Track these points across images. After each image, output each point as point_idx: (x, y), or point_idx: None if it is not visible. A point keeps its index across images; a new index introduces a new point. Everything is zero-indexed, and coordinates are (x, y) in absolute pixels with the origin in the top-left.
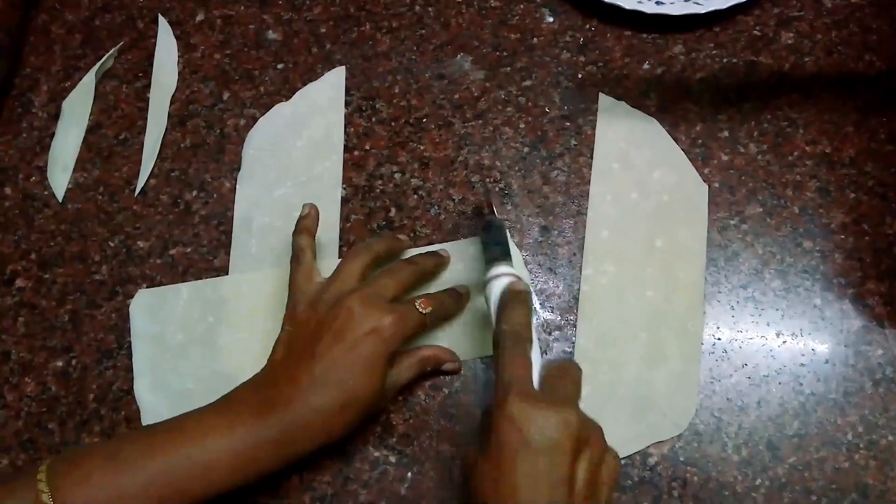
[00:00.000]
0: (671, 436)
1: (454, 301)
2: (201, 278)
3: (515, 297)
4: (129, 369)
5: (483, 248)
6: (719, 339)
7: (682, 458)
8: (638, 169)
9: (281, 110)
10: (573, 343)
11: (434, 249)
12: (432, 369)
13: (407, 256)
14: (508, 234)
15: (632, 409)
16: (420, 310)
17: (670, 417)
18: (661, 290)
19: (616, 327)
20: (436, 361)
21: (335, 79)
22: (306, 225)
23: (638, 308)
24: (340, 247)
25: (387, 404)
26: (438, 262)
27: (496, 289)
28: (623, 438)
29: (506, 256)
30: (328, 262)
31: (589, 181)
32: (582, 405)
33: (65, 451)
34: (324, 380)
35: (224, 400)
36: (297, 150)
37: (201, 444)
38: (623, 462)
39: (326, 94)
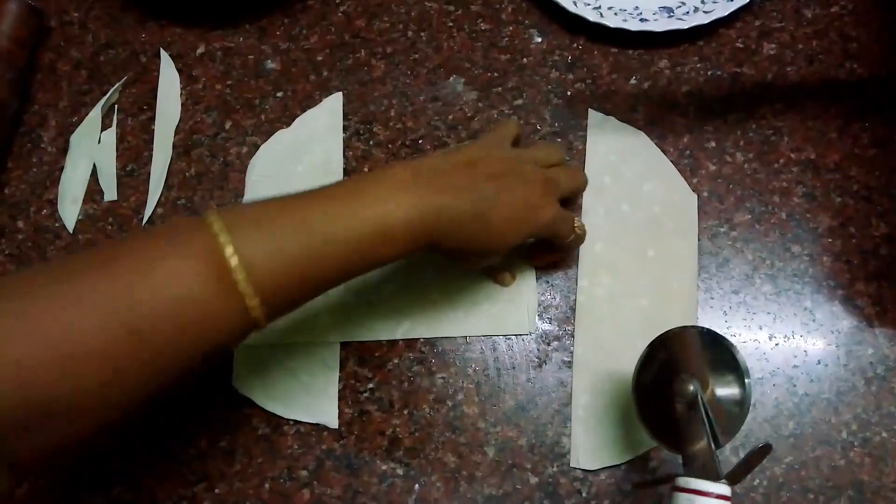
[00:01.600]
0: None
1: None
2: None
3: None
4: None
5: (685, 440)
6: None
7: (681, 462)
8: (628, 181)
9: (281, 137)
10: (571, 353)
11: None
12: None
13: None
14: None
15: (631, 416)
16: (576, 227)
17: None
18: (655, 299)
19: (613, 337)
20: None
21: (333, 105)
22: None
23: (633, 317)
24: None
25: (502, 252)
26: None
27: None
28: (622, 446)
29: (734, 478)
30: None
31: (581, 195)
32: (582, 412)
33: (234, 203)
34: (493, 178)
35: (405, 166)
36: (299, 176)
37: (382, 206)
38: (623, 467)
39: (325, 120)
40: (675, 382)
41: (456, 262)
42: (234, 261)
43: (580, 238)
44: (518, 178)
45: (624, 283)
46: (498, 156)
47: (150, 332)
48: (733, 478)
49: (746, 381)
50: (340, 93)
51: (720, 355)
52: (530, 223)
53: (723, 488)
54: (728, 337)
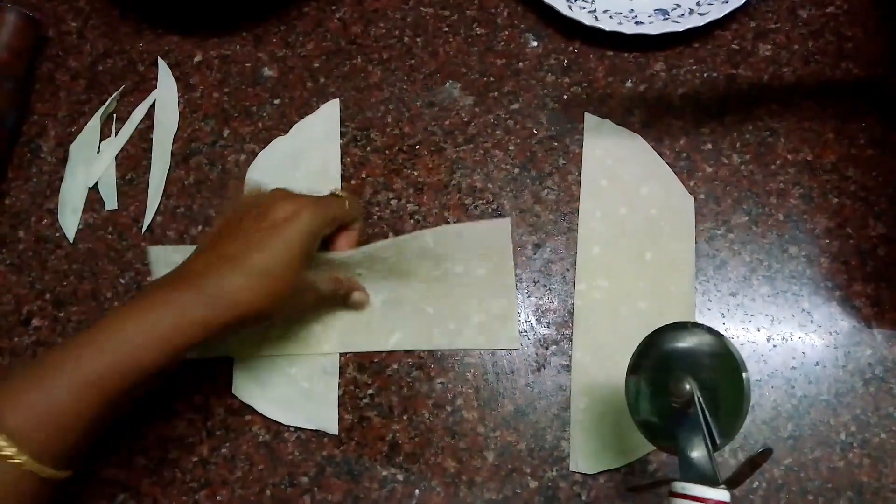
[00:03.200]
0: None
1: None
2: None
3: None
4: (143, 400)
5: (681, 455)
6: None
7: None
8: (625, 184)
9: (279, 144)
10: (570, 357)
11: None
12: (344, 293)
13: None
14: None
15: (629, 420)
16: (337, 193)
17: None
18: (653, 302)
19: (611, 340)
20: (348, 287)
21: (330, 111)
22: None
23: (631, 320)
24: None
25: (307, 304)
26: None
27: None
28: (621, 449)
29: (734, 484)
30: None
31: (578, 198)
32: (581, 416)
33: None
34: (246, 249)
35: (149, 286)
36: (297, 182)
37: (121, 334)
38: (623, 471)
39: (322, 127)
40: (670, 382)
41: (281, 323)
42: (4, 447)
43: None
44: (260, 207)
45: (622, 286)
46: (234, 210)
47: None
48: (732, 482)
49: (744, 376)
50: (337, 99)
51: (715, 351)
52: (297, 233)
53: (721, 494)
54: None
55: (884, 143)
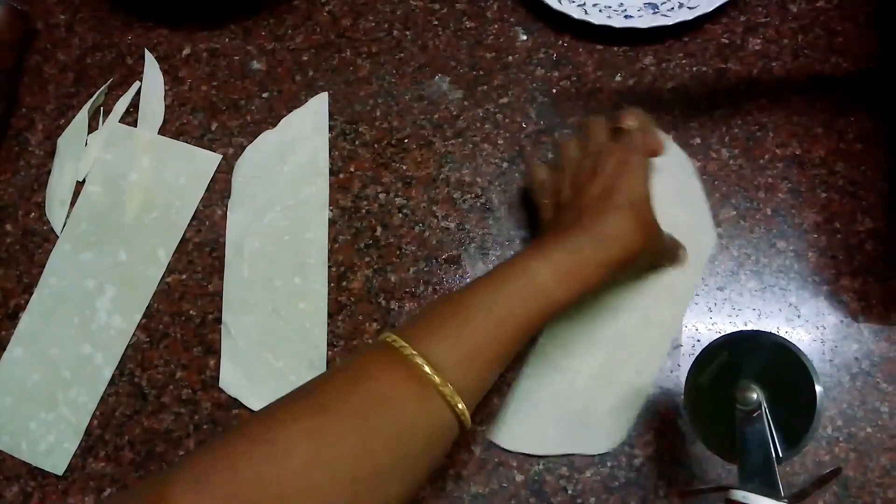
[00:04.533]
0: (595, 452)
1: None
2: (197, 304)
3: None
4: (131, 395)
5: (742, 463)
6: (699, 340)
7: (666, 459)
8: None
9: (267, 138)
10: (535, 341)
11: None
12: (674, 246)
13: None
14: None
15: (570, 416)
16: (628, 124)
17: (600, 436)
18: (636, 319)
19: (581, 340)
20: (678, 245)
21: (318, 105)
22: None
23: (608, 329)
24: (329, 267)
25: (658, 248)
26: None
27: None
28: (551, 441)
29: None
30: (318, 286)
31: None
32: (518, 395)
33: (404, 327)
34: (605, 195)
35: (534, 241)
36: (285, 176)
37: (526, 274)
38: (609, 464)
39: (310, 120)
40: (736, 389)
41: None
42: (437, 378)
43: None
44: (589, 164)
45: (611, 296)
46: (563, 184)
47: (405, 444)
48: (797, 497)
49: (817, 389)
50: (326, 93)
51: (787, 361)
52: (636, 168)
53: None
54: (713, 334)
55: (872, 138)
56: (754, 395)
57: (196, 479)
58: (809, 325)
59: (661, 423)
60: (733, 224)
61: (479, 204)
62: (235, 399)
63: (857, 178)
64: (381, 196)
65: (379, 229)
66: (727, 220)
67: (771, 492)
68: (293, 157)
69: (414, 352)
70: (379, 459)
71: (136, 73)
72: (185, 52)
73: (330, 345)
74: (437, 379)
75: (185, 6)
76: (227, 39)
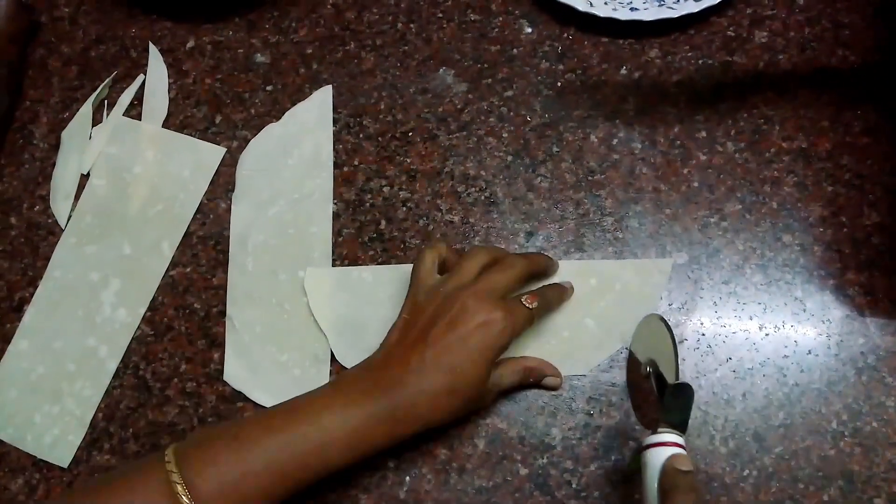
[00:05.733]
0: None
1: (558, 295)
2: (201, 297)
3: (683, 483)
4: (135, 388)
5: (638, 407)
6: (703, 334)
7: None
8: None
9: (272, 131)
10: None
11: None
12: (534, 380)
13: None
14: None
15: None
16: (527, 305)
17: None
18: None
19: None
20: (539, 373)
21: (322, 97)
22: (437, 245)
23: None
24: (333, 261)
25: (487, 404)
26: (549, 263)
27: (656, 457)
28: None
29: (682, 426)
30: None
31: (572, 186)
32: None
33: (189, 436)
34: (434, 364)
35: (337, 380)
36: (289, 169)
37: (317, 422)
38: (614, 458)
39: (314, 113)
40: (641, 367)
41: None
42: (184, 497)
43: (545, 306)
44: (449, 315)
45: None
46: (422, 308)
47: None
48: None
49: (658, 316)
50: (330, 86)
51: (653, 326)
52: (485, 346)
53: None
54: (719, 328)
55: (879, 132)
56: (649, 368)
57: None
58: (815, 320)
59: None
60: (739, 218)
61: (483, 197)
62: (240, 392)
63: (863, 171)
64: (386, 189)
65: (383, 223)
66: (732, 213)
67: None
68: (297, 150)
69: (177, 479)
70: None
71: (140, 66)
72: (189, 44)
73: None
74: None
75: None
76: (230, 32)
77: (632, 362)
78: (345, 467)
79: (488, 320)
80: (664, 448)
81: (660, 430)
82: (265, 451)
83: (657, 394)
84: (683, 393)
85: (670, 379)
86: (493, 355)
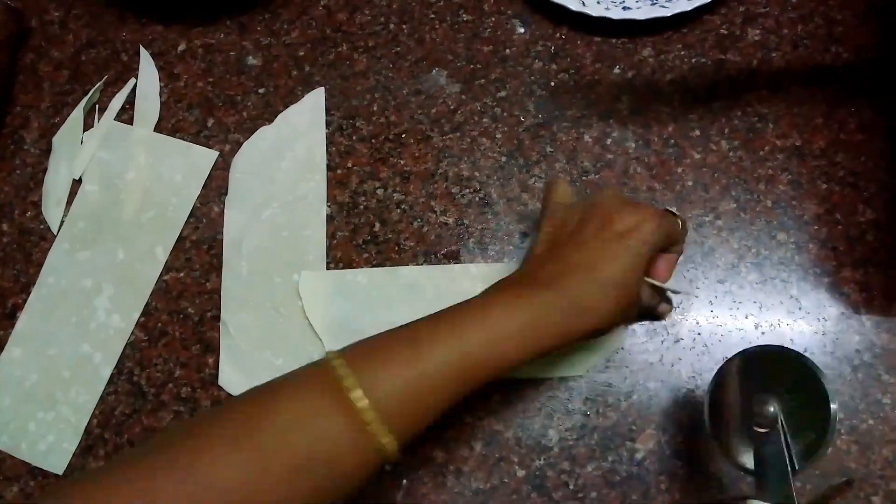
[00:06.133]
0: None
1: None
2: (195, 302)
3: None
4: (130, 393)
5: (759, 475)
6: (699, 333)
7: (667, 453)
8: None
9: (264, 133)
10: None
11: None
12: (656, 304)
13: None
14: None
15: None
16: (674, 212)
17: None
18: None
19: None
20: (660, 304)
21: (315, 100)
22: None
23: None
24: (328, 264)
25: (634, 316)
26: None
27: None
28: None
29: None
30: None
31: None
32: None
33: (353, 345)
34: (597, 258)
35: (494, 286)
36: (282, 172)
37: (487, 320)
38: (610, 459)
39: (307, 116)
40: (754, 402)
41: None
42: (362, 403)
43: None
44: (600, 217)
45: None
46: (564, 221)
47: (307, 476)
48: None
49: (832, 407)
50: (322, 88)
51: (803, 377)
52: (640, 247)
53: None
54: (714, 327)
55: (873, 128)
56: (771, 409)
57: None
58: (811, 317)
59: (662, 417)
60: (733, 216)
61: (477, 198)
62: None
63: (857, 168)
64: (379, 191)
65: (377, 225)
66: (727, 212)
67: (787, 502)
68: (290, 153)
69: (351, 381)
70: (282, 487)
71: (132, 70)
72: (181, 48)
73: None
74: (366, 415)
75: (179, 2)
76: (222, 35)
77: (732, 385)
78: (520, 364)
79: (641, 222)
80: None
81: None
82: (439, 351)
83: (788, 457)
84: (848, 488)
85: (811, 456)
86: (647, 254)
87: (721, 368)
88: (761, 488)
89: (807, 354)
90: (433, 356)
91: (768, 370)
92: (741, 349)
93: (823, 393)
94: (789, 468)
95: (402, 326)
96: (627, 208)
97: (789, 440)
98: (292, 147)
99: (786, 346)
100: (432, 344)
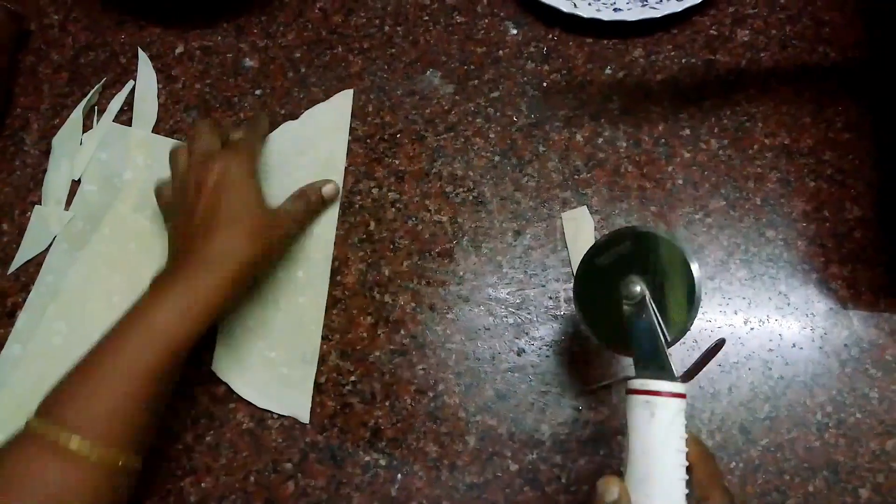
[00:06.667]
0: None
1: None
2: None
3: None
4: None
5: (636, 353)
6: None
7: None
8: None
9: (288, 128)
10: (548, 343)
11: None
12: (316, 199)
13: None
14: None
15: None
16: (239, 135)
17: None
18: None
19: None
20: (314, 192)
21: (342, 102)
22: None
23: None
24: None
25: (295, 230)
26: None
27: (664, 410)
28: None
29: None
30: (319, 281)
31: (558, 185)
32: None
33: (45, 397)
34: (209, 215)
35: (152, 283)
36: (302, 169)
37: (146, 321)
38: (602, 452)
39: (333, 116)
40: (621, 285)
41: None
42: (75, 444)
43: (257, 127)
44: (193, 187)
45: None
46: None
47: None
48: (687, 375)
49: (693, 267)
50: (352, 90)
51: (663, 249)
52: (236, 174)
53: (677, 386)
54: (704, 323)
55: (860, 127)
56: (637, 288)
57: None
58: (799, 313)
59: None
60: (723, 214)
61: (471, 197)
62: (232, 393)
63: (845, 166)
64: (375, 191)
65: (372, 224)
66: (716, 209)
67: (665, 374)
68: (312, 151)
69: (50, 429)
70: None
71: (130, 72)
72: (178, 50)
73: (324, 338)
74: (86, 452)
75: (177, 5)
76: (219, 37)
77: (596, 272)
78: (195, 341)
79: (224, 166)
80: (673, 401)
81: (656, 377)
82: (115, 362)
83: (660, 331)
84: (717, 350)
85: (682, 323)
86: (251, 184)
87: (587, 254)
88: (638, 364)
89: (797, 348)
90: (108, 372)
91: (634, 251)
92: (606, 234)
93: (687, 266)
94: (662, 341)
95: (78, 366)
96: (209, 161)
97: (659, 316)
98: (315, 146)
99: (641, 225)
100: (108, 373)
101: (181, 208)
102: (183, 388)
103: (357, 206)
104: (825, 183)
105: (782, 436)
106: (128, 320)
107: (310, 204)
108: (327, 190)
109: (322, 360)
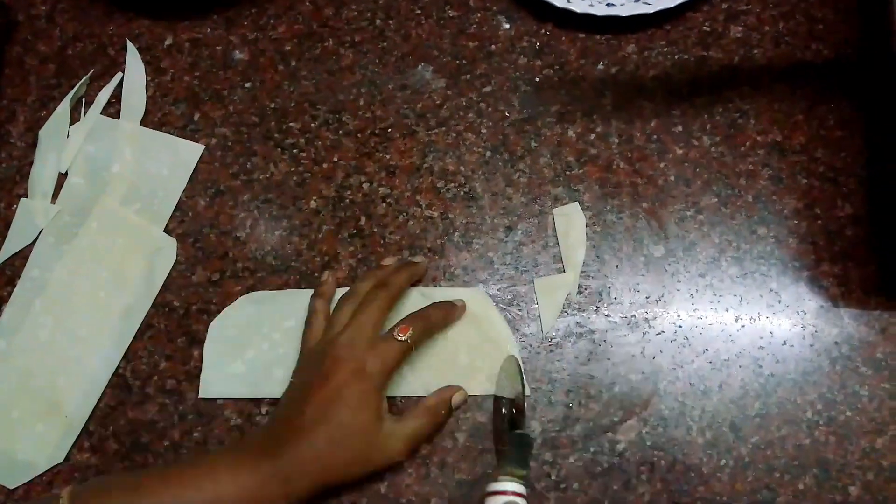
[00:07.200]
0: None
1: (442, 315)
2: (181, 295)
3: None
4: (115, 386)
5: (499, 452)
6: (680, 326)
7: (648, 444)
8: None
9: None
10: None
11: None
12: (445, 413)
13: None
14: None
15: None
16: (398, 338)
17: None
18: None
19: None
20: (442, 405)
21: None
22: (324, 290)
23: None
24: (313, 257)
25: (394, 455)
26: (414, 271)
27: None
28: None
29: (521, 471)
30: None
31: (550, 181)
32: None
33: (90, 480)
34: (315, 420)
35: (234, 442)
36: None
37: (212, 477)
38: (592, 450)
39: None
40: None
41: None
42: None
43: (424, 330)
44: (323, 370)
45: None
46: (302, 370)
47: None
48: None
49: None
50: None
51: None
52: (362, 393)
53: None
54: (695, 320)
55: (852, 125)
56: (503, 409)
57: None
58: (790, 311)
59: (643, 408)
60: (714, 211)
61: (462, 193)
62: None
63: (837, 164)
64: (365, 185)
65: (363, 219)
66: (708, 207)
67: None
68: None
69: None
70: None
71: (118, 64)
72: (167, 42)
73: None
74: None
75: None
76: (209, 29)
77: (496, 404)
78: None
79: (358, 367)
80: (501, 497)
81: (501, 478)
82: (158, 501)
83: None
84: (523, 442)
85: (518, 425)
86: (372, 401)
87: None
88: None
89: (787, 345)
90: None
91: (506, 379)
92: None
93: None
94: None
95: (135, 472)
96: (344, 357)
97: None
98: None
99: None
100: (153, 494)
101: (307, 371)
102: (171, 383)
103: (347, 200)
104: (817, 180)
105: (772, 433)
106: (197, 472)
107: (437, 424)
108: (457, 400)
109: None
